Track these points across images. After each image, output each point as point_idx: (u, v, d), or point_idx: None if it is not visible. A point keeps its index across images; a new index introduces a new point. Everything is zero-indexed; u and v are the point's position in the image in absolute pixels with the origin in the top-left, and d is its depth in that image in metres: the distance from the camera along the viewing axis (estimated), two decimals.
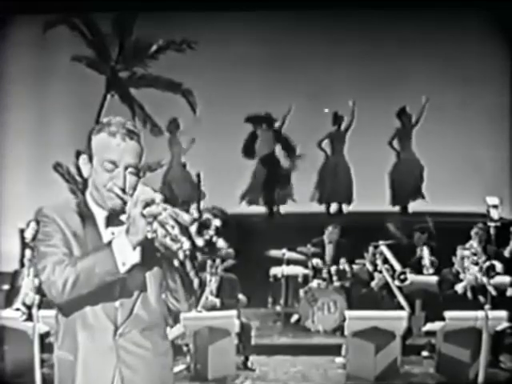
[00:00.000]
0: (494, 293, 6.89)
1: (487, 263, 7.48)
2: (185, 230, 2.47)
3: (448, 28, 11.93)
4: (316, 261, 9.76)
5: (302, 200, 12.66)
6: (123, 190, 2.67)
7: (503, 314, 7.20)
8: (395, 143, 12.68)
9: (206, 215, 2.51)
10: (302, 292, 9.37)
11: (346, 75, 12.28)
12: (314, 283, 9.37)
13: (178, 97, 12.83)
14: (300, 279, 9.84)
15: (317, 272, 9.65)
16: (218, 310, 7.72)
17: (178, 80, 12.71)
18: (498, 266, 7.42)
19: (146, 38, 12.67)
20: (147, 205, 2.54)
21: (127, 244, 2.58)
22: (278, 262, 9.72)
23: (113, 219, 2.73)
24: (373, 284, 8.53)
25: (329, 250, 10.05)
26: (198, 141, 12.63)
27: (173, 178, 12.78)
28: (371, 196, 12.48)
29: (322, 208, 12.77)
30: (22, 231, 9.65)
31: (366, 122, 12.22)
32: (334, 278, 9.36)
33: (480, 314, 6.87)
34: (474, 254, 8.04)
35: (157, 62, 12.79)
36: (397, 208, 12.71)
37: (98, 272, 2.58)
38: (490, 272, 7.40)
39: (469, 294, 7.49)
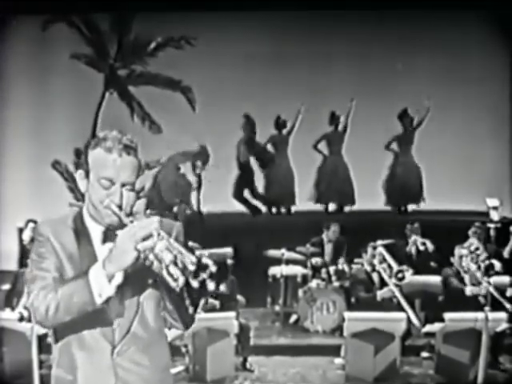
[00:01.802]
0: (508, 306, 6.84)
1: (486, 262, 7.46)
2: (182, 268, 2.47)
3: (448, 28, 11.90)
4: (315, 259, 9.75)
5: (301, 199, 12.63)
6: (120, 208, 2.64)
7: (503, 315, 7.17)
8: (395, 146, 12.63)
9: (204, 259, 2.47)
10: (300, 292, 9.35)
11: (346, 75, 12.24)
12: (313, 283, 9.35)
13: (177, 94, 12.80)
14: (299, 279, 9.83)
15: (316, 272, 9.63)
16: (216, 311, 7.70)
17: (176, 77, 12.68)
18: (497, 265, 7.39)
19: (144, 35, 12.63)
20: (144, 239, 2.51)
21: (103, 276, 2.54)
22: (277, 261, 9.70)
23: (110, 234, 2.69)
24: (378, 293, 8.47)
25: (328, 249, 10.04)
26: (196, 138, 12.61)
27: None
28: (370, 195, 12.47)
29: (318, 206, 12.75)
30: (20, 230, 9.64)
31: (366, 122, 12.19)
32: (333, 278, 9.34)
33: (480, 315, 6.85)
34: (477, 249, 8.02)
35: (155, 60, 12.75)
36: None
37: (76, 301, 2.56)
38: (489, 271, 7.38)
39: (481, 300, 7.43)
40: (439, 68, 12.11)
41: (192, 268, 2.44)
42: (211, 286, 2.48)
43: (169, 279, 2.49)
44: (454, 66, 12.12)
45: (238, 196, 12.59)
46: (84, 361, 2.71)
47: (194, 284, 2.45)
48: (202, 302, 7.58)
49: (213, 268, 2.47)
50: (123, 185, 2.67)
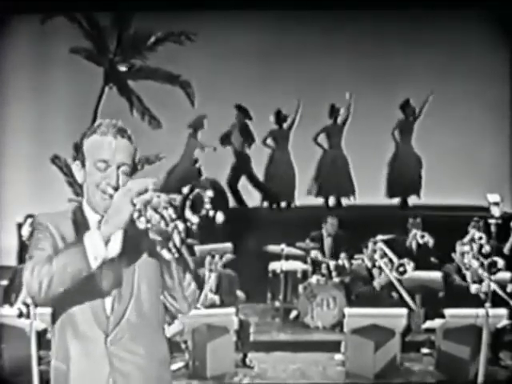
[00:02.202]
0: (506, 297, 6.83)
1: (489, 259, 7.43)
2: (179, 210, 2.39)
3: (449, 25, 11.87)
4: (315, 253, 9.72)
5: (301, 193, 12.60)
6: (116, 189, 2.61)
7: (503, 311, 7.17)
8: (396, 134, 12.61)
9: (196, 190, 2.41)
10: (301, 288, 9.32)
11: (346, 69, 12.21)
12: (313, 279, 9.31)
13: (177, 89, 12.77)
14: (299, 275, 9.80)
15: (316, 267, 9.61)
16: (216, 307, 7.68)
17: (176, 72, 12.65)
18: (500, 263, 7.35)
19: (144, 29, 12.59)
20: (140, 194, 2.47)
21: (98, 237, 2.51)
22: (277, 257, 9.67)
23: None
24: (375, 283, 8.45)
25: (327, 243, 10.02)
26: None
27: (179, 173, 12.68)
28: (369, 189, 12.45)
29: (318, 201, 12.72)
30: (19, 225, 9.62)
31: (366, 115, 12.16)
32: (334, 273, 9.32)
33: (480, 311, 6.84)
34: (480, 238, 8.00)
35: (155, 54, 12.71)
36: (396, 201, 12.67)
37: (70, 268, 2.51)
38: (491, 268, 7.35)
39: (482, 296, 7.40)
40: (440, 63, 12.07)
41: (186, 204, 2.35)
42: (219, 217, 2.42)
43: (169, 231, 2.39)
44: (454, 62, 12.09)
45: (232, 185, 12.53)
46: (77, 350, 2.68)
47: (194, 219, 2.37)
48: (202, 297, 7.56)
49: (209, 193, 2.41)
50: (119, 167, 2.67)
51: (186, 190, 2.39)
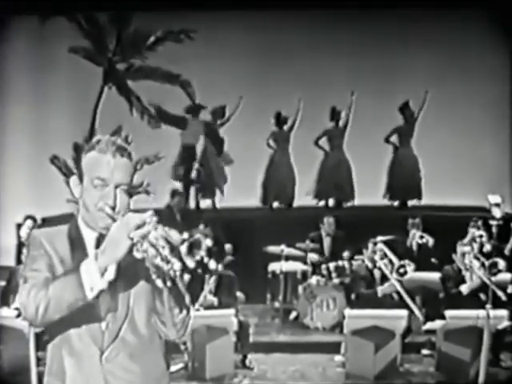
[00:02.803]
0: (504, 298, 6.80)
1: (490, 260, 7.40)
2: (176, 250, 2.38)
3: (449, 25, 11.86)
4: (313, 256, 9.69)
5: (301, 195, 12.57)
6: (113, 209, 2.60)
7: (504, 312, 7.13)
8: (395, 139, 12.56)
9: (196, 235, 2.40)
10: (300, 289, 9.29)
11: (346, 69, 12.19)
12: (313, 280, 9.27)
13: (177, 88, 12.74)
14: (299, 275, 9.77)
15: (316, 268, 9.57)
16: (215, 309, 7.64)
17: (176, 71, 12.62)
18: (501, 264, 7.32)
19: (144, 29, 12.56)
20: (138, 227, 2.45)
21: (95, 268, 2.48)
22: (277, 257, 9.64)
23: (103, 240, 2.61)
24: (378, 290, 8.39)
25: (327, 243, 9.98)
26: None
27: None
28: (369, 189, 12.43)
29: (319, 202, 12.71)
30: (19, 226, 9.59)
31: (366, 116, 12.13)
32: (333, 274, 9.27)
33: (481, 312, 6.81)
34: (481, 236, 7.96)
35: (155, 54, 12.67)
36: (396, 202, 12.64)
37: (66, 297, 2.49)
38: (492, 269, 7.32)
39: (482, 297, 7.37)
40: (440, 63, 12.06)
41: (184, 247, 2.35)
42: (212, 264, 2.39)
43: (164, 267, 2.38)
44: (454, 62, 12.07)
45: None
46: (73, 367, 2.65)
47: (190, 264, 2.35)
48: (201, 298, 7.54)
49: (208, 242, 2.38)
50: (117, 186, 2.63)
51: (185, 235, 2.38)
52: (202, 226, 8.98)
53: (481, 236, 8.07)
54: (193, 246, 2.38)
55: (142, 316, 2.70)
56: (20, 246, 9.06)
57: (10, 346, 6.92)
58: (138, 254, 2.45)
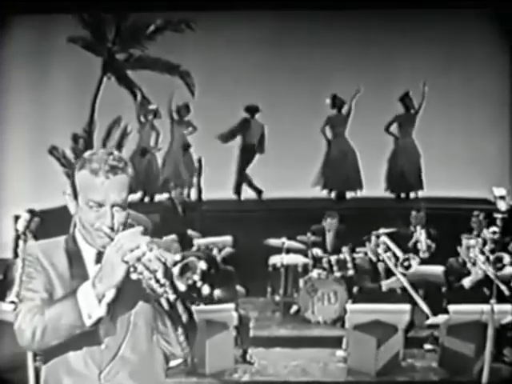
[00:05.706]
0: (507, 292, 6.72)
1: (495, 255, 7.31)
2: (169, 272, 2.31)
3: (449, 23, 11.79)
4: (316, 250, 9.60)
5: (303, 186, 12.45)
6: (112, 229, 2.52)
7: (509, 307, 7.04)
8: (395, 129, 12.46)
9: (190, 258, 2.31)
10: (301, 282, 9.19)
11: (346, 60, 12.10)
12: (314, 273, 9.17)
13: (176, 78, 12.64)
14: (300, 269, 9.66)
15: (317, 262, 9.48)
16: (215, 303, 7.54)
17: (175, 61, 12.51)
18: (507, 258, 7.22)
19: (143, 18, 12.44)
20: (132, 250, 2.38)
21: (93, 295, 2.42)
22: (278, 250, 9.55)
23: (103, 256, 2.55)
24: (383, 285, 8.24)
25: (329, 237, 9.89)
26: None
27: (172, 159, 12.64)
28: (371, 181, 12.36)
29: (321, 193, 12.60)
30: (16, 218, 9.48)
31: (367, 109, 12.04)
32: (335, 267, 9.15)
33: (485, 307, 6.72)
34: (494, 233, 7.87)
35: (154, 44, 12.56)
36: (397, 194, 12.57)
37: (63, 323, 2.44)
38: (497, 264, 7.23)
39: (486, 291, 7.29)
40: (440, 58, 11.99)
41: (174, 267, 2.27)
42: (205, 289, 2.31)
43: (158, 288, 2.32)
44: (454, 61, 11.98)
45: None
46: None
47: (181, 287, 2.28)
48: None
49: (202, 266, 2.31)
50: (113, 205, 2.55)
51: (178, 256, 2.31)
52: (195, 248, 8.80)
53: (494, 232, 7.97)
54: (185, 269, 2.30)
55: (143, 333, 2.62)
56: (17, 238, 8.96)
57: (6, 341, 6.83)
58: (134, 276, 2.39)
